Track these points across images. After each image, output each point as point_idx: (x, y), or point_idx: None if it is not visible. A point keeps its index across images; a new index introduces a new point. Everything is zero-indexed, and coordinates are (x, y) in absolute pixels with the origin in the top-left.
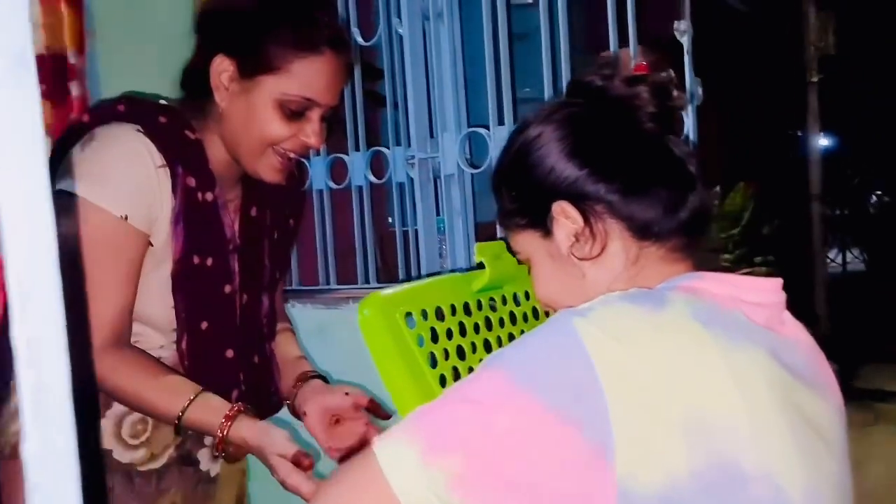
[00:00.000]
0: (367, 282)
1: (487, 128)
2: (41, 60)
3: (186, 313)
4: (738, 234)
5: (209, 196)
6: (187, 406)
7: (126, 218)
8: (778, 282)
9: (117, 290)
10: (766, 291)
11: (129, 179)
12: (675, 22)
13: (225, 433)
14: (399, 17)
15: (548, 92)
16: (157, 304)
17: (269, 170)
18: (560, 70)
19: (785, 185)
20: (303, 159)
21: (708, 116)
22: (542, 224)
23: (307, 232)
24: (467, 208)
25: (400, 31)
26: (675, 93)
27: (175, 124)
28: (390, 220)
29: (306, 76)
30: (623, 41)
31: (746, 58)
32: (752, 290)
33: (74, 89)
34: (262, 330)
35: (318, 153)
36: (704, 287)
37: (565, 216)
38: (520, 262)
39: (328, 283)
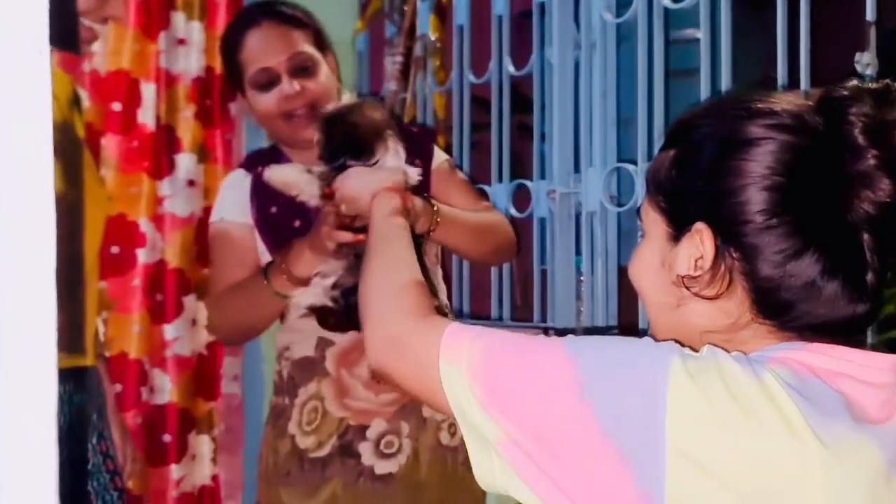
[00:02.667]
0: (500, 318)
1: (636, 164)
2: (198, 82)
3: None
4: None
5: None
6: (266, 277)
7: (222, 220)
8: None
9: (228, 265)
10: (883, 370)
11: (224, 194)
12: (857, 54)
13: (287, 273)
14: (552, 45)
15: None
16: None
17: (297, 131)
18: None
19: None
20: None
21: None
22: (677, 228)
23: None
24: (609, 249)
25: (552, 60)
26: None
27: (260, 149)
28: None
29: (247, 57)
30: (794, 79)
31: None
32: (866, 368)
33: (233, 108)
34: None
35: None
36: (803, 360)
37: (700, 242)
38: (641, 227)
39: (460, 316)
